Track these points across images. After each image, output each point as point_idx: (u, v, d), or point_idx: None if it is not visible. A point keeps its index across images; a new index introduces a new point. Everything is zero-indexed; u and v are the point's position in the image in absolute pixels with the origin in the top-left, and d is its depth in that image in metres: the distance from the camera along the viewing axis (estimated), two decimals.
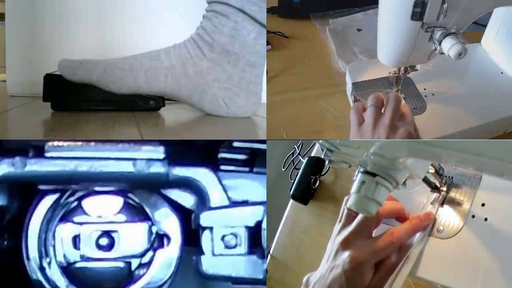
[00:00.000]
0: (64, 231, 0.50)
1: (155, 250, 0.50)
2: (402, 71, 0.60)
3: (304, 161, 0.68)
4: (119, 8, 1.25)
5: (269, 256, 0.68)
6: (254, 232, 0.49)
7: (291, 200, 0.69)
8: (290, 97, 0.73)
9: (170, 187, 0.50)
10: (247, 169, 0.50)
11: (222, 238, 0.48)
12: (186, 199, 0.50)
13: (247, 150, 0.50)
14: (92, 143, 0.48)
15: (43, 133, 0.64)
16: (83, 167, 0.48)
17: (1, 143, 0.49)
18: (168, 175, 0.48)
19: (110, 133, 0.62)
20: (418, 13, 0.46)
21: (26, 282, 0.50)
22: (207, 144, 0.51)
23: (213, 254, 0.48)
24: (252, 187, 0.50)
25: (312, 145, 0.72)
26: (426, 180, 0.46)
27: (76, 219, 0.50)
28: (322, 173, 0.67)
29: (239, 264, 0.48)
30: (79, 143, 0.48)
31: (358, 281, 0.41)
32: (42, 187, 0.49)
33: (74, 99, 0.86)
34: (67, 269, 0.50)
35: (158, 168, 0.48)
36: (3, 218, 0.50)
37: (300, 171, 0.68)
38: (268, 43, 0.84)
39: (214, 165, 0.50)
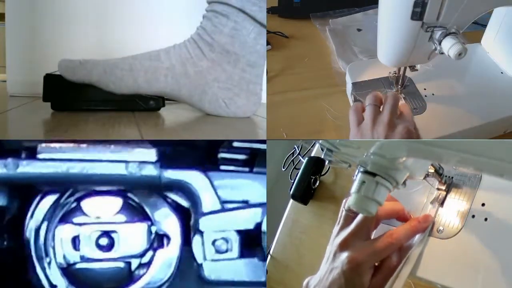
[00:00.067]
0: (63, 232, 0.50)
1: (155, 250, 0.50)
2: (402, 71, 0.60)
3: (304, 161, 0.68)
4: (119, 8, 1.25)
5: (269, 256, 0.68)
6: (252, 235, 0.49)
7: (291, 200, 0.69)
8: (290, 97, 0.73)
9: (163, 190, 0.50)
10: (247, 169, 0.50)
11: (213, 242, 0.48)
12: (184, 202, 0.50)
13: (247, 150, 0.50)
14: (85, 145, 0.48)
15: (43, 133, 0.64)
16: (75, 169, 0.48)
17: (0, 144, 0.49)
18: (160, 178, 0.48)
19: (110, 133, 0.62)
20: (418, 13, 0.46)
21: (26, 283, 0.50)
22: (207, 144, 0.51)
23: (205, 259, 0.48)
24: (252, 187, 0.50)
25: (312, 145, 0.72)
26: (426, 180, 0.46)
27: (75, 220, 0.50)
28: (322, 173, 0.67)
29: (239, 268, 0.48)
30: (71, 144, 0.48)
31: (357, 282, 0.41)
32: (40, 187, 0.49)
33: (74, 99, 0.86)
34: (67, 270, 0.50)
35: (150, 171, 0.48)
36: (3, 219, 0.50)
37: (300, 171, 0.68)
38: (268, 43, 0.84)
39: (214, 165, 0.50)
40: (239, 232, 0.49)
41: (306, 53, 0.84)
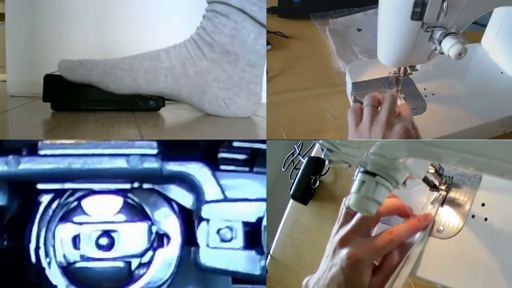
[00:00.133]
0: (64, 231, 0.50)
1: (155, 249, 0.50)
2: (402, 71, 0.60)
3: (304, 161, 0.68)
4: (119, 8, 1.25)
5: (269, 256, 0.68)
6: (253, 228, 0.48)
7: (291, 200, 0.69)
8: (290, 97, 0.73)
9: (165, 182, 0.50)
10: (247, 169, 0.50)
11: (218, 231, 0.48)
12: (185, 198, 0.50)
13: (247, 150, 0.50)
14: (85, 140, 0.48)
15: (43, 133, 0.64)
16: (77, 164, 0.48)
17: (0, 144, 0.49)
18: (161, 170, 0.48)
19: (110, 133, 0.62)
20: (418, 13, 0.46)
21: (26, 282, 0.50)
22: (207, 144, 0.51)
23: (208, 246, 0.48)
24: (252, 187, 0.50)
25: (312, 145, 0.72)
26: (426, 180, 0.45)
27: (75, 219, 0.50)
28: (322, 173, 0.67)
29: (236, 259, 0.48)
30: (72, 140, 0.48)
31: (357, 279, 0.41)
32: (40, 186, 0.49)
33: (74, 99, 0.87)
34: (67, 269, 0.50)
35: (152, 163, 0.48)
36: (3, 218, 0.50)
37: (300, 171, 0.68)
38: (268, 43, 0.84)
39: (214, 164, 0.50)
40: (244, 223, 0.49)
41: (306, 53, 0.84)
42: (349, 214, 0.45)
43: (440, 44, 0.48)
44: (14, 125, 0.73)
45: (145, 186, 0.50)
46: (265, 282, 0.49)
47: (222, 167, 0.50)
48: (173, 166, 0.48)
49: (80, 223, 0.50)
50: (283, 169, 0.74)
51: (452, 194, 0.46)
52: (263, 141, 0.51)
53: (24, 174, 0.48)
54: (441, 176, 0.46)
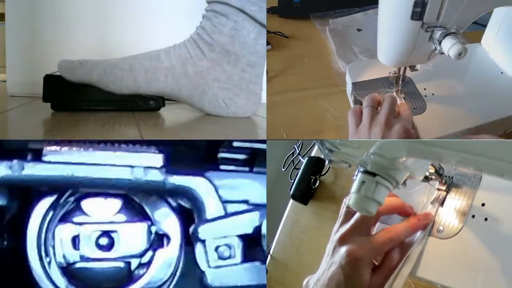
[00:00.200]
0: (63, 232, 0.50)
1: (154, 250, 0.50)
2: (402, 71, 0.60)
3: (304, 161, 0.68)
4: (119, 8, 1.25)
5: (269, 256, 0.68)
6: (253, 239, 0.49)
7: (291, 200, 0.69)
8: (290, 97, 0.73)
9: (167, 195, 0.50)
10: (247, 169, 0.50)
11: (216, 249, 0.49)
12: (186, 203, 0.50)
13: (247, 150, 0.50)
14: (90, 149, 0.48)
15: (43, 133, 0.64)
16: (81, 172, 0.48)
17: (0, 144, 0.49)
18: (164, 183, 0.49)
19: (110, 133, 0.62)
20: (418, 13, 0.46)
21: (26, 283, 0.50)
22: (207, 144, 0.51)
23: (209, 267, 0.49)
24: (252, 187, 0.50)
25: (312, 145, 0.72)
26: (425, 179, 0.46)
27: (75, 219, 0.50)
28: (322, 173, 0.67)
29: (241, 273, 0.48)
30: (77, 148, 0.48)
31: (356, 278, 0.41)
32: (42, 189, 0.49)
33: (74, 99, 0.86)
34: (67, 270, 0.50)
35: (155, 176, 0.48)
36: (3, 218, 0.50)
37: (300, 171, 0.68)
38: (268, 43, 0.84)
39: (214, 164, 0.50)
40: (240, 237, 0.49)
41: (306, 53, 0.84)
42: (350, 213, 0.45)
43: (440, 44, 0.48)
44: (14, 125, 0.73)
45: None
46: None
47: (222, 167, 0.50)
48: (176, 180, 0.49)
49: (80, 224, 0.50)
50: (283, 169, 0.74)
51: (452, 194, 0.46)
52: (263, 141, 0.51)
53: (27, 180, 0.48)
54: (441, 176, 0.46)
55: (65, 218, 0.50)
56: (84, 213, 0.50)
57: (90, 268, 0.50)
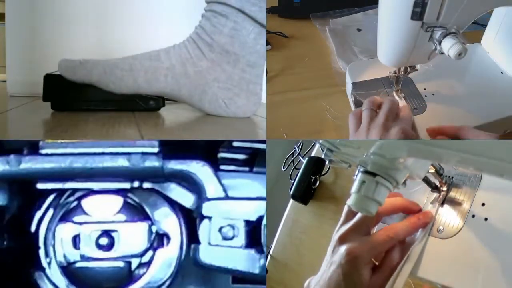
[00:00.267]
0: (64, 231, 0.50)
1: (155, 249, 0.50)
2: (402, 71, 0.60)
3: (304, 161, 0.68)
4: (119, 8, 1.25)
5: (269, 256, 0.68)
6: (254, 227, 0.48)
7: (291, 200, 0.69)
8: (290, 97, 0.73)
9: (166, 181, 0.50)
10: (247, 168, 0.50)
11: (220, 229, 0.48)
12: (186, 198, 0.50)
13: (247, 150, 0.50)
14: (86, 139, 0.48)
15: (43, 133, 0.64)
16: (78, 163, 0.48)
17: (0, 144, 0.49)
18: (163, 168, 0.48)
19: (110, 133, 0.62)
20: (418, 13, 0.46)
21: (26, 282, 0.50)
22: (207, 144, 0.51)
23: (209, 244, 0.48)
24: (252, 186, 0.50)
25: (312, 145, 0.72)
26: (426, 180, 0.45)
27: (76, 219, 0.50)
28: (322, 173, 0.67)
29: (236, 257, 0.48)
30: (74, 139, 0.48)
31: (356, 277, 0.41)
32: (40, 186, 0.49)
33: (74, 99, 0.87)
34: (67, 269, 0.50)
35: (153, 162, 0.48)
36: (3, 218, 0.50)
37: (300, 171, 0.68)
38: (268, 43, 0.84)
39: (214, 164, 0.50)
40: (245, 221, 0.48)
41: (306, 53, 0.84)
42: (351, 214, 0.45)
43: (440, 44, 0.48)
44: (14, 125, 0.73)
45: (145, 185, 0.50)
46: (265, 282, 0.49)
47: (222, 167, 0.50)
48: (174, 165, 0.48)
49: (80, 223, 0.50)
50: (283, 169, 0.74)
51: (452, 194, 0.46)
52: (263, 141, 0.51)
53: (25, 173, 0.48)
54: (441, 176, 0.46)
55: (65, 218, 0.50)
56: (85, 213, 0.50)
57: (91, 267, 0.50)
